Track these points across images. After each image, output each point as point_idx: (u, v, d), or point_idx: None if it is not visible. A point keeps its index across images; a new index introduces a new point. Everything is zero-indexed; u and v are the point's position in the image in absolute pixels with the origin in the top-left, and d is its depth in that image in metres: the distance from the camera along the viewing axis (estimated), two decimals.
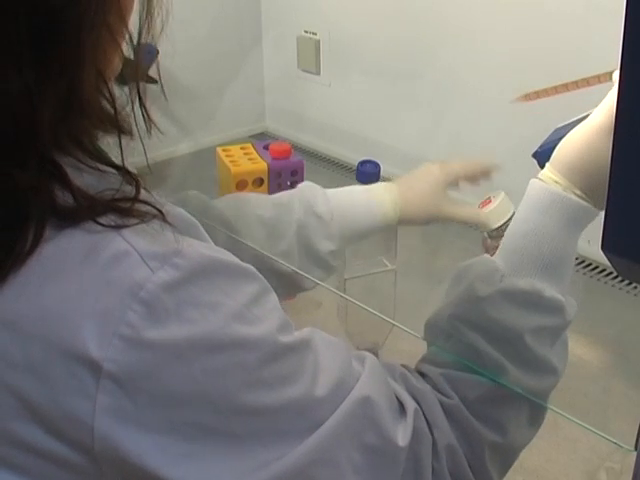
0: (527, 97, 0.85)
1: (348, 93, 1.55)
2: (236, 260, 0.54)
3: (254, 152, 1.31)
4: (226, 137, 1.61)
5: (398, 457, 0.58)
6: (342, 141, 1.67)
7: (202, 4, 1.52)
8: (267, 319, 0.53)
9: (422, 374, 0.66)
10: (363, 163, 1.08)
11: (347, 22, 1.51)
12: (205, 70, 1.58)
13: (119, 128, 0.53)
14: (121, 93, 0.55)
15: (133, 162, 0.55)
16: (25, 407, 0.49)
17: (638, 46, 0.41)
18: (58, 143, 0.50)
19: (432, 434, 0.61)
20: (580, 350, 1.04)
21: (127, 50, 0.55)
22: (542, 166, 0.70)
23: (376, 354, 1.03)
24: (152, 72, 0.60)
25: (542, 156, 0.72)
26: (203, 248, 0.52)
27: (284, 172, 1.24)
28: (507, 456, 0.66)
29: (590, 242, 1.20)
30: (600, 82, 0.76)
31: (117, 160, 0.54)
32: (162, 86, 0.59)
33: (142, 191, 0.53)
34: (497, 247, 0.69)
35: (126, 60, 0.55)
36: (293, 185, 1.23)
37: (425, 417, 0.61)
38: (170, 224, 0.52)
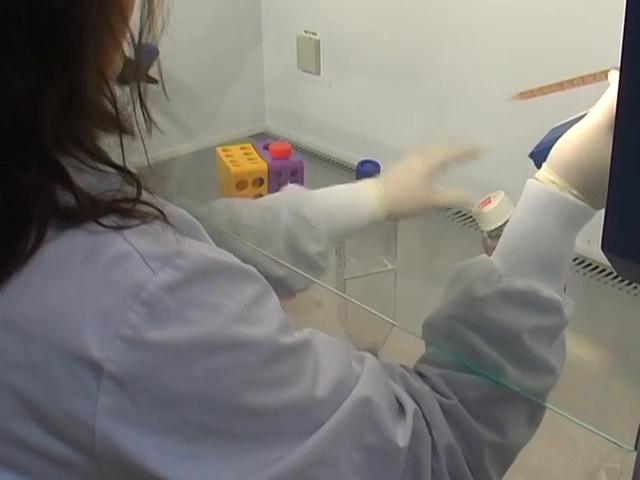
0: (522, 96, 0.85)
1: (348, 93, 1.55)
2: (237, 261, 0.54)
3: (254, 152, 1.31)
4: (226, 137, 1.61)
5: (398, 457, 0.58)
6: (342, 141, 1.67)
7: (202, 4, 1.52)
8: (268, 320, 0.53)
9: (420, 375, 0.66)
10: (363, 163, 1.08)
11: (347, 22, 1.51)
12: (205, 70, 1.58)
13: (120, 128, 0.54)
14: (122, 93, 0.55)
15: (133, 162, 0.56)
16: (26, 407, 0.49)
17: (638, 46, 0.41)
18: (60, 143, 0.51)
19: (431, 434, 0.61)
20: (580, 350, 1.04)
21: (127, 50, 0.55)
22: (539, 166, 0.70)
23: (376, 354, 1.03)
24: (152, 72, 0.60)
25: (538, 156, 0.72)
26: (204, 249, 0.52)
27: (284, 172, 1.24)
28: (506, 456, 0.66)
29: (590, 242, 1.20)
30: (596, 81, 0.76)
31: (117, 160, 0.54)
32: (164, 86, 0.59)
33: (143, 192, 0.53)
34: None
35: (126, 60, 0.55)
36: None
37: (424, 417, 0.61)
38: (171, 225, 0.52)
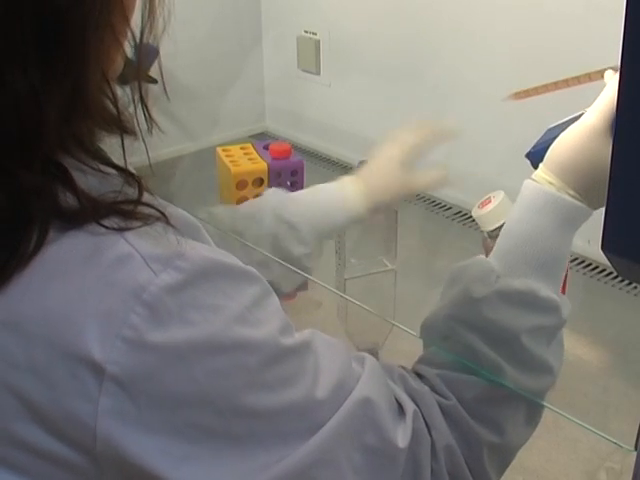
0: (517, 96, 0.86)
1: (348, 93, 1.55)
2: (238, 262, 0.54)
3: (254, 152, 1.31)
4: (226, 137, 1.61)
5: (398, 458, 0.58)
6: (342, 141, 1.67)
7: (202, 4, 1.52)
8: (269, 321, 0.53)
9: (419, 375, 0.66)
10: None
11: (347, 22, 1.51)
12: (205, 70, 1.58)
13: (122, 128, 0.54)
14: (123, 94, 0.55)
15: (132, 162, 0.56)
16: (27, 408, 0.49)
17: (638, 46, 0.41)
18: (62, 144, 0.51)
19: (431, 435, 0.61)
20: (580, 350, 1.04)
21: (127, 50, 0.55)
22: (535, 166, 0.70)
23: (376, 354, 1.04)
24: (152, 72, 0.60)
25: (535, 156, 0.72)
26: (205, 250, 0.52)
27: (284, 172, 1.24)
28: (505, 456, 0.67)
29: (590, 242, 1.20)
30: (591, 80, 0.76)
31: (117, 161, 0.54)
32: (165, 86, 0.59)
33: (145, 193, 0.53)
34: None
35: (126, 60, 0.56)
36: (293, 185, 1.23)
37: (424, 418, 0.61)
38: (173, 226, 0.52)
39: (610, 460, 0.89)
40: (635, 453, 0.55)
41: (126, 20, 0.53)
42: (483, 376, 0.64)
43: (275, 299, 0.56)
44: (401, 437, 0.58)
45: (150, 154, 0.59)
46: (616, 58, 0.43)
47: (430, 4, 1.36)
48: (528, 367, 0.65)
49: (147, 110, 0.56)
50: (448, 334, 0.66)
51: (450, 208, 1.40)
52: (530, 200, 0.66)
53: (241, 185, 1.25)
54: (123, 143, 0.54)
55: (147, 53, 0.55)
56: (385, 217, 1.10)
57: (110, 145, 0.54)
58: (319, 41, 1.56)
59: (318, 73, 1.60)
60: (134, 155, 0.55)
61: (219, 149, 1.32)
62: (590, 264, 1.20)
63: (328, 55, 1.57)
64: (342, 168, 1.67)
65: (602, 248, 0.47)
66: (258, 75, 1.71)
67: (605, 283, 1.17)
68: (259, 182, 1.26)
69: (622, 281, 1.16)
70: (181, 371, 0.49)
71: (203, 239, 0.56)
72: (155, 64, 0.60)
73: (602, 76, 0.71)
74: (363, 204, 0.93)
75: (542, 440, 0.87)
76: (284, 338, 0.54)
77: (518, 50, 1.25)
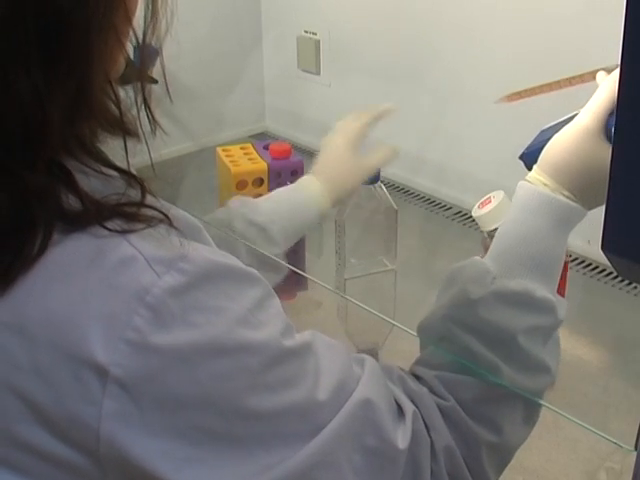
0: (510, 98, 0.87)
1: (348, 93, 1.55)
2: (240, 264, 0.54)
3: (254, 152, 1.31)
4: (226, 137, 1.61)
5: (398, 459, 0.58)
6: None
7: (202, 4, 1.52)
8: (271, 323, 0.53)
9: (417, 377, 0.66)
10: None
11: (347, 22, 1.51)
12: (205, 70, 1.57)
13: (125, 130, 0.54)
14: (125, 95, 0.55)
15: (132, 163, 0.55)
16: (30, 409, 0.49)
17: (638, 46, 0.41)
18: (65, 146, 0.51)
19: (430, 436, 0.61)
20: (580, 350, 1.04)
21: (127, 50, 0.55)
22: (529, 168, 0.71)
23: (376, 354, 1.04)
24: (152, 72, 0.60)
25: (529, 158, 0.72)
26: (208, 252, 0.52)
27: (284, 172, 1.24)
28: (503, 455, 0.67)
29: (590, 242, 1.20)
30: (583, 82, 0.76)
31: (118, 162, 0.54)
32: (167, 87, 0.59)
33: (148, 195, 0.53)
34: None
35: (126, 60, 0.56)
36: None
37: (423, 419, 0.61)
38: (176, 228, 0.52)
39: (610, 460, 0.89)
40: (635, 453, 0.55)
41: (129, 21, 0.53)
42: (481, 377, 0.64)
43: (276, 300, 0.56)
44: (401, 438, 0.58)
45: (151, 155, 0.59)
46: (616, 58, 0.43)
47: (431, 4, 1.36)
48: (525, 367, 0.65)
49: (151, 111, 0.56)
50: (445, 335, 0.66)
51: (450, 208, 1.40)
52: (525, 201, 0.67)
53: (241, 185, 1.25)
54: (126, 145, 0.54)
55: (148, 54, 0.55)
56: (385, 217, 1.10)
57: (112, 147, 0.54)
58: (319, 41, 1.56)
59: (318, 73, 1.60)
60: (134, 156, 0.55)
61: (219, 149, 1.32)
62: (590, 264, 1.20)
63: (328, 55, 1.56)
64: None
65: (602, 248, 0.47)
66: (258, 75, 1.71)
67: (605, 283, 1.17)
68: (259, 182, 1.26)
69: (622, 281, 1.15)
70: (184, 373, 0.49)
71: (204, 240, 0.56)
72: (157, 64, 0.60)
73: (594, 77, 0.72)
74: (327, 199, 0.97)
75: (542, 440, 0.87)
76: (285, 340, 0.54)
77: (518, 50, 1.25)
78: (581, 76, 0.78)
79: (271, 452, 0.52)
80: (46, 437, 0.49)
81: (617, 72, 0.67)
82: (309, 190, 0.97)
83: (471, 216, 0.97)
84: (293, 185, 1.00)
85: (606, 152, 0.64)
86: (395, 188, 1.46)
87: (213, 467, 0.51)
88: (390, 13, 1.43)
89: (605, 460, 0.89)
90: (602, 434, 0.66)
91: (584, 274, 1.19)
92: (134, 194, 0.52)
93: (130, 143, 0.55)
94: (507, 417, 0.65)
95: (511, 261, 0.66)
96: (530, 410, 0.67)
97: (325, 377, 0.55)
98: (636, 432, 0.59)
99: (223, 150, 1.32)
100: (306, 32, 1.58)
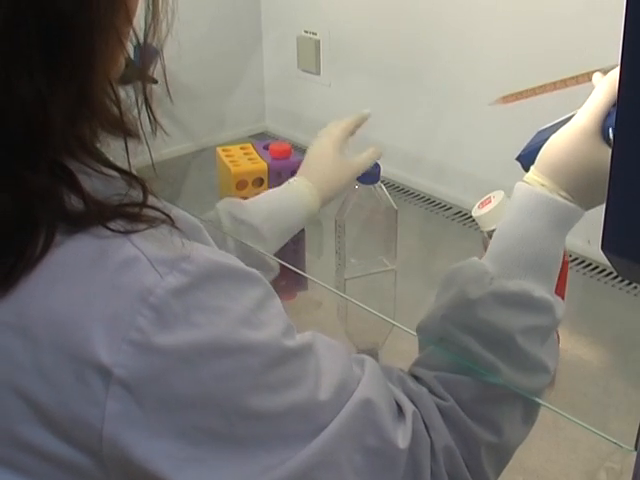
0: (505, 99, 0.87)
1: (348, 93, 1.55)
2: (241, 264, 0.54)
3: (254, 152, 1.31)
4: (226, 137, 1.61)
5: (398, 459, 0.58)
6: None
7: (202, 4, 1.52)
8: (272, 323, 0.53)
9: (416, 377, 0.67)
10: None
11: (347, 22, 1.51)
12: (205, 70, 1.57)
13: (126, 131, 0.54)
14: (126, 96, 0.55)
15: (132, 164, 0.55)
16: (33, 410, 0.49)
17: (638, 46, 0.41)
18: (67, 147, 0.51)
19: (430, 436, 0.61)
20: (580, 350, 1.04)
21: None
22: (526, 169, 0.71)
23: (376, 354, 1.04)
24: (152, 73, 0.60)
25: (526, 159, 0.73)
26: (209, 253, 0.52)
27: (284, 172, 1.24)
28: (502, 455, 0.67)
29: (590, 242, 1.20)
30: (578, 83, 0.77)
31: (118, 162, 0.54)
32: (168, 88, 0.59)
33: (150, 196, 0.53)
34: None
35: (126, 60, 0.56)
36: None
37: (423, 419, 0.61)
38: (178, 229, 0.52)
39: (610, 460, 0.89)
40: (635, 453, 0.55)
41: (129, 21, 0.53)
42: (479, 377, 0.64)
43: (277, 301, 0.56)
44: (401, 438, 0.58)
45: (151, 155, 0.59)
46: (616, 58, 0.43)
47: (430, 5, 1.36)
48: (524, 367, 0.65)
49: (152, 112, 0.56)
50: (444, 336, 0.67)
51: (450, 208, 1.40)
52: (523, 202, 0.67)
53: (241, 185, 1.25)
54: (127, 146, 0.54)
55: (148, 54, 0.55)
56: (385, 217, 1.10)
57: (113, 147, 0.54)
58: (319, 41, 1.56)
59: (318, 73, 1.60)
60: (134, 155, 0.55)
61: (219, 149, 1.32)
62: (590, 264, 1.20)
63: (328, 55, 1.56)
64: None
65: (602, 248, 0.47)
66: (258, 75, 1.71)
67: (605, 283, 1.17)
68: (259, 182, 1.26)
69: (622, 281, 1.15)
70: (187, 373, 0.49)
71: (205, 240, 0.56)
72: (157, 65, 0.60)
73: (589, 79, 0.72)
74: (316, 198, 0.99)
75: (542, 440, 0.87)
76: (287, 340, 0.54)
77: (518, 50, 1.25)
78: (576, 77, 0.78)
79: (272, 452, 0.52)
80: (49, 437, 0.49)
81: (613, 73, 0.67)
82: (298, 190, 0.99)
83: (471, 216, 0.97)
84: (282, 186, 1.01)
85: (603, 153, 0.64)
86: (395, 188, 1.46)
87: (214, 467, 0.51)
88: (390, 13, 1.43)
89: (605, 460, 0.89)
90: (602, 434, 0.66)
91: (584, 274, 1.19)
92: (136, 195, 0.52)
93: (130, 143, 0.55)
94: (506, 417, 0.65)
95: (509, 262, 0.66)
96: (529, 409, 0.67)
97: (326, 377, 0.55)
98: (636, 432, 0.59)
99: (223, 150, 1.32)
100: (306, 32, 1.58)
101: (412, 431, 0.59)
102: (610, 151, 0.44)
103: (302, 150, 1.10)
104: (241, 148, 1.33)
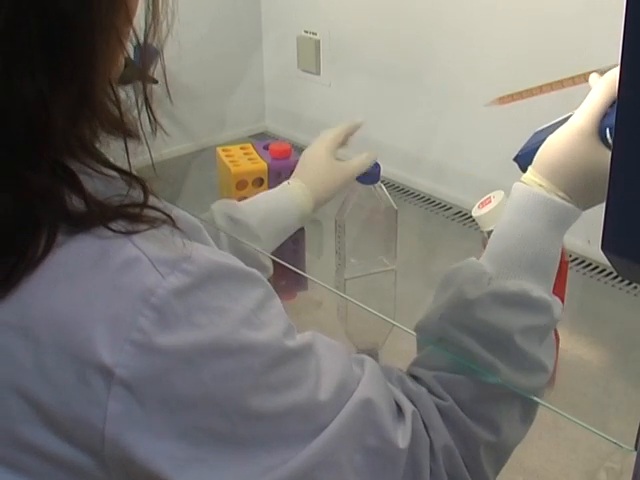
0: (501, 100, 0.87)
1: (348, 93, 1.55)
2: (241, 265, 0.54)
3: (254, 152, 1.31)
4: (226, 137, 1.61)
5: (398, 459, 0.58)
6: None
7: (202, 4, 1.52)
8: (273, 324, 0.53)
9: (415, 377, 0.67)
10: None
11: (347, 22, 1.51)
12: (205, 70, 1.57)
13: (126, 131, 0.54)
14: (126, 97, 0.55)
15: (132, 164, 0.55)
16: (35, 410, 0.49)
17: (638, 46, 0.41)
18: (69, 147, 0.51)
19: (429, 436, 0.61)
20: (580, 350, 1.04)
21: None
22: (524, 169, 0.71)
23: (376, 354, 1.04)
24: (152, 73, 0.60)
25: (523, 160, 0.73)
26: (209, 253, 0.52)
27: (284, 172, 1.24)
28: (501, 454, 0.67)
29: (590, 242, 1.20)
30: (575, 84, 0.77)
31: (118, 163, 0.54)
32: (168, 88, 0.59)
33: (151, 196, 0.53)
34: None
35: (126, 59, 0.56)
36: None
37: (422, 419, 0.61)
38: (180, 229, 0.52)
39: (610, 460, 0.89)
40: (635, 453, 0.55)
41: (129, 21, 0.53)
42: (478, 376, 0.65)
43: (278, 301, 0.56)
44: (401, 438, 0.58)
45: (151, 155, 0.59)
46: (616, 58, 0.43)
47: (430, 5, 1.36)
48: (522, 366, 0.65)
49: (152, 112, 0.56)
50: (442, 336, 0.67)
51: (450, 208, 1.40)
52: (520, 202, 0.67)
53: (241, 185, 1.25)
54: (127, 146, 0.54)
55: (149, 54, 0.55)
56: (385, 217, 1.10)
57: (113, 148, 0.54)
58: (319, 41, 1.56)
59: (318, 73, 1.60)
60: (134, 155, 0.55)
61: (219, 149, 1.32)
62: (590, 264, 1.20)
63: (328, 55, 1.56)
64: None
65: (602, 248, 0.47)
66: (258, 75, 1.71)
67: (605, 283, 1.17)
68: (259, 182, 1.26)
69: (622, 281, 1.15)
70: (188, 374, 0.49)
71: (205, 240, 0.56)
72: (157, 65, 0.60)
73: (586, 79, 0.72)
74: (310, 199, 1.01)
75: (542, 440, 0.87)
76: (287, 340, 0.54)
77: (518, 50, 1.25)
78: (572, 78, 0.78)
79: (273, 453, 0.52)
80: (50, 438, 0.49)
81: (610, 73, 0.67)
82: (292, 192, 1.00)
83: (471, 216, 0.98)
84: (276, 188, 1.03)
85: (601, 153, 0.64)
86: (395, 188, 1.46)
87: (215, 468, 0.51)
88: (390, 13, 1.43)
89: (605, 460, 0.89)
90: (602, 434, 0.66)
91: (584, 274, 1.19)
92: (136, 195, 0.52)
93: (130, 143, 0.55)
94: (505, 416, 0.65)
95: (507, 262, 0.66)
96: (527, 409, 0.67)
97: (326, 377, 0.56)
98: (636, 432, 0.59)
99: (223, 150, 1.32)
100: (306, 32, 1.58)
101: (412, 431, 0.59)
102: (607, 151, 0.44)
103: (302, 150, 1.10)
104: (241, 148, 1.33)
